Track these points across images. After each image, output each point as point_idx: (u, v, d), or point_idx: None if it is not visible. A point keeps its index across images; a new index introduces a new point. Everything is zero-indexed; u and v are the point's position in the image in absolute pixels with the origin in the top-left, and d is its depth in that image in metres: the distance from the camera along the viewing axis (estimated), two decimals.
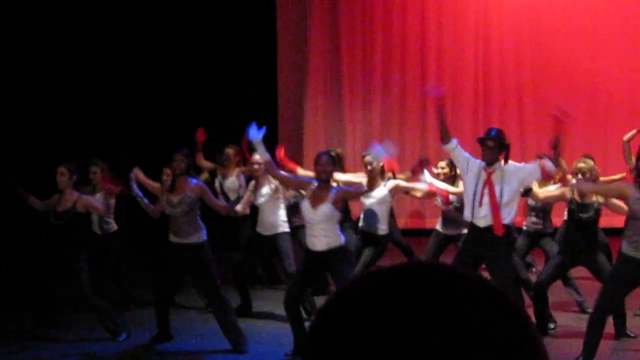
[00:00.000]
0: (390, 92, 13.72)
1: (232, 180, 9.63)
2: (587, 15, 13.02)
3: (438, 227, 8.78)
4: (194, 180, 7.35)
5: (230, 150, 9.67)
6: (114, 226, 9.17)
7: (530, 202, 8.26)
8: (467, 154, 7.10)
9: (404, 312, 0.87)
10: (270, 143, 11.97)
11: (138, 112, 12.44)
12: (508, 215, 6.92)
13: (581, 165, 7.37)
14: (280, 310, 7.78)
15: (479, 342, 0.85)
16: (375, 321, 0.87)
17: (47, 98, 12.03)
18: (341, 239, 6.98)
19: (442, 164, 8.82)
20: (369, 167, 8.31)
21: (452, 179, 8.73)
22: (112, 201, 9.10)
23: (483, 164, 6.95)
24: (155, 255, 8.87)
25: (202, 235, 7.31)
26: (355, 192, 7.58)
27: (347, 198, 7.20)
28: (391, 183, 8.34)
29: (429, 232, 9.18)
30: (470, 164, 7.00)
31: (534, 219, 8.35)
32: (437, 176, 8.71)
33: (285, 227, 8.47)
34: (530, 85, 13.39)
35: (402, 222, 13.04)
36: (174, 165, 7.32)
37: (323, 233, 6.88)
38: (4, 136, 11.52)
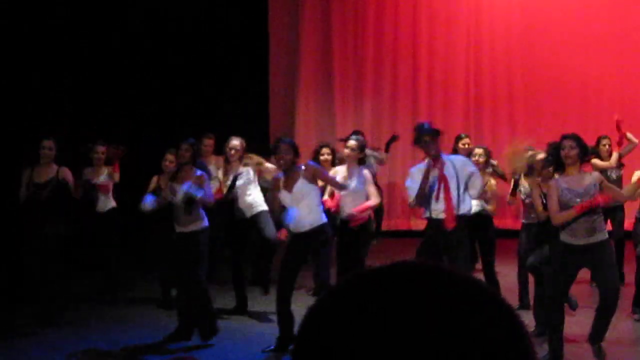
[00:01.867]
0: (381, 89, 13.80)
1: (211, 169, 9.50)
2: (579, 19, 13.09)
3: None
4: (199, 171, 7.44)
5: (208, 141, 9.70)
6: (112, 203, 9.28)
7: (523, 195, 8.21)
8: (413, 174, 7.27)
9: (394, 312, 0.87)
10: (262, 140, 12.13)
11: (138, 112, 12.52)
12: (465, 207, 7.16)
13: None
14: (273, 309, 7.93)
15: (467, 340, 0.86)
16: (366, 320, 0.87)
17: (47, 98, 12.11)
18: (323, 219, 7.14)
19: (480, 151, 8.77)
20: (351, 152, 8.27)
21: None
22: (117, 177, 9.27)
23: (426, 162, 7.15)
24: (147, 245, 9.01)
25: (201, 224, 7.40)
26: (332, 180, 7.53)
27: (318, 177, 7.21)
28: (366, 172, 8.36)
29: (415, 234, 9.33)
30: (414, 174, 7.21)
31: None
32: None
33: (264, 206, 8.64)
34: (521, 87, 13.45)
35: (391, 224, 13.19)
36: (180, 155, 7.50)
37: (306, 211, 7.03)
38: (4, 136, 11.61)
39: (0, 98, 11.72)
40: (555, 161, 6.60)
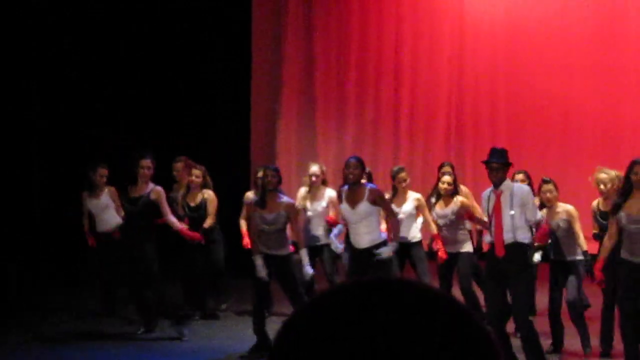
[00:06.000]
0: (363, 113, 13.74)
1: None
2: (563, 44, 13.02)
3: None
4: (285, 198, 7.69)
5: (178, 165, 9.53)
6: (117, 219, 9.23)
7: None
8: (484, 198, 7.32)
9: (366, 326, 0.88)
10: (243, 160, 12.23)
11: (123, 122, 12.44)
12: (523, 235, 7.05)
13: (602, 176, 7.70)
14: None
15: (439, 354, 0.88)
16: (338, 335, 0.89)
17: (46, 99, 12.19)
18: (382, 236, 7.64)
19: (449, 179, 8.51)
20: (403, 184, 8.62)
21: (451, 195, 8.48)
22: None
23: (491, 189, 7.17)
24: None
25: (289, 248, 7.70)
26: (388, 208, 7.79)
27: (379, 205, 7.60)
28: (415, 198, 8.65)
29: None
30: (486, 198, 7.24)
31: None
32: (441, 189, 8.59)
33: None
34: (503, 111, 13.36)
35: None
36: (266, 181, 7.60)
37: (365, 230, 7.54)
38: (5, 137, 11.72)
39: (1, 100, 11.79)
40: (625, 185, 6.86)
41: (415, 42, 13.64)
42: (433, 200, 8.60)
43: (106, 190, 9.16)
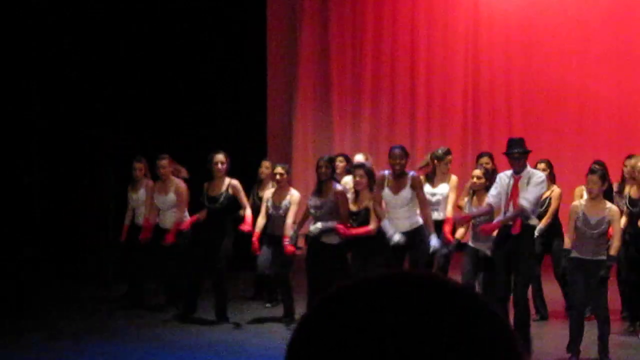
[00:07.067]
0: (379, 104, 13.81)
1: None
2: (578, 34, 13.07)
3: (470, 242, 8.23)
4: (338, 185, 8.16)
5: (163, 162, 9.23)
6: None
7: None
8: (496, 188, 7.55)
9: (385, 321, 0.87)
10: (259, 155, 12.17)
11: (124, 125, 12.42)
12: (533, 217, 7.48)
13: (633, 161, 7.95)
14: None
15: (457, 350, 0.86)
16: (355, 331, 0.87)
17: (46, 99, 12.15)
18: (420, 220, 7.96)
19: (478, 172, 8.17)
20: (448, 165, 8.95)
21: (486, 189, 8.04)
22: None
23: (511, 172, 7.52)
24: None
25: (338, 237, 7.99)
26: (422, 198, 8.10)
27: (416, 190, 7.97)
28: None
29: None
30: (501, 183, 7.51)
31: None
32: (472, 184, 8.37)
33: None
34: (519, 102, 13.42)
35: None
36: (319, 172, 8.08)
37: (406, 215, 7.89)
38: (5, 137, 11.65)
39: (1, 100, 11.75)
40: None
41: (431, 33, 13.72)
42: (465, 197, 8.42)
43: (145, 184, 9.46)
